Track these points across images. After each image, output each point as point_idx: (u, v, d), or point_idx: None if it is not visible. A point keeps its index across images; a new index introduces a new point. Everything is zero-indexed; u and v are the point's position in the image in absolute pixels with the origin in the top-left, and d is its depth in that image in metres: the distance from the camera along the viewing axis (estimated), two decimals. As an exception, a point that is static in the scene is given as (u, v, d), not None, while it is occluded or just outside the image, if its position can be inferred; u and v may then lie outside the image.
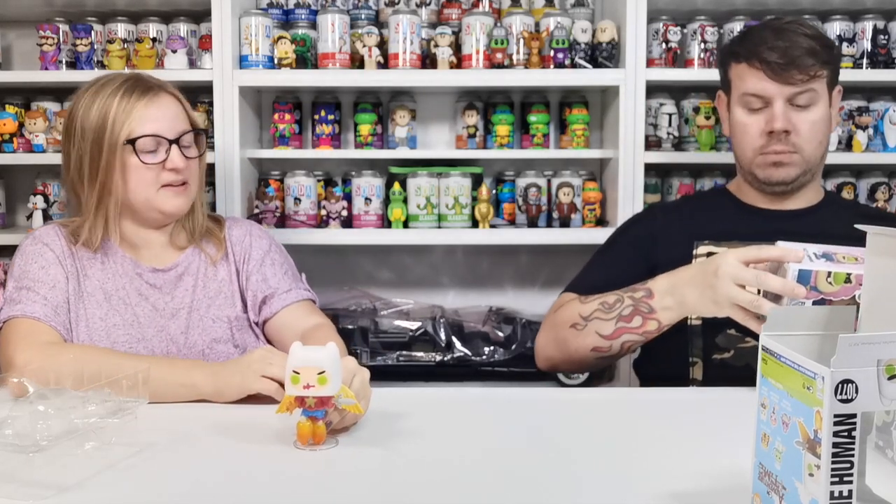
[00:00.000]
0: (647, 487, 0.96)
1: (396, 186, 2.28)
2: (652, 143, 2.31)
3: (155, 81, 1.50)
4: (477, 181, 2.34)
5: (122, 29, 2.34)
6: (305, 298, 1.56)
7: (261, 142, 2.47)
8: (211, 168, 2.23)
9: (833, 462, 0.69)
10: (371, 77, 2.24)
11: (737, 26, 2.26)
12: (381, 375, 1.87)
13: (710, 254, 1.55)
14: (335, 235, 2.28)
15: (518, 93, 2.42)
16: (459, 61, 2.27)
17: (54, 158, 2.29)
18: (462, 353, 2.30)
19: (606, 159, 2.37)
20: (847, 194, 2.33)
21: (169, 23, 2.34)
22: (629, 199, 2.19)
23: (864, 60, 2.28)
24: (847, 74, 2.23)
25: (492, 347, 2.32)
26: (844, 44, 2.25)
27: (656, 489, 0.95)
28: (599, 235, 2.23)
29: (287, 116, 2.34)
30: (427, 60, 2.30)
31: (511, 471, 1.02)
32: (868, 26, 2.28)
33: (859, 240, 0.97)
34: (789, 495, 0.74)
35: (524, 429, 1.20)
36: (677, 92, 2.37)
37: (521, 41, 2.25)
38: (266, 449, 1.08)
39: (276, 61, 2.23)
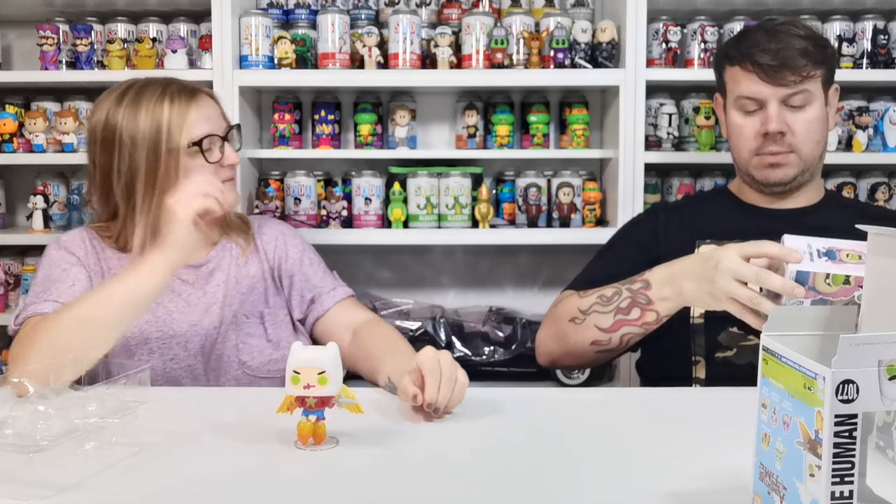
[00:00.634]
0: (647, 487, 0.96)
1: (396, 186, 2.28)
2: (652, 143, 2.31)
3: (191, 84, 1.53)
4: (477, 181, 2.34)
5: (122, 29, 2.34)
6: (350, 295, 1.61)
7: (261, 142, 2.47)
8: (211, 168, 2.23)
9: (834, 462, 0.69)
10: (371, 77, 2.24)
11: (737, 26, 2.26)
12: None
13: None
14: (335, 235, 2.28)
15: (518, 93, 2.42)
16: (459, 61, 2.27)
17: (54, 158, 2.29)
18: (462, 353, 2.30)
19: (606, 159, 2.37)
20: (847, 194, 2.33)
21: (169, 23, 2.34)
22: (629, 199, 2.19)
23: (864, 60, 2.28)
24: (847, 74, 2.24)
25: (492, 347, 2.32)
26: (844, 44, 2.25)
27: (656, 489, 0.95)
28: (599, 235, 2.23)
29: (287, 116, 2.34)
30: (427, 60, 2.30)
31: (511, 471, 1.02)
32: (868, 26, 2.28)
33: (860, 238, 0.98)
34: (790, 496, 0.74)
35: (524, 428, 1.20)
36: (677, 92, 2.37)
37: (521, 41, 2.25)
38: (266, 449, 1.08)
39: (276, 61, 2.23)
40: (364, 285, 2.52)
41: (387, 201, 2.31)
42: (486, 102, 2.39)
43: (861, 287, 1.18)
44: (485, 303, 2.52)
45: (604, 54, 2.22)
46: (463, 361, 2.27)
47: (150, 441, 1.09)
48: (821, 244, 1.25)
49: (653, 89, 2.28)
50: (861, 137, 2.27)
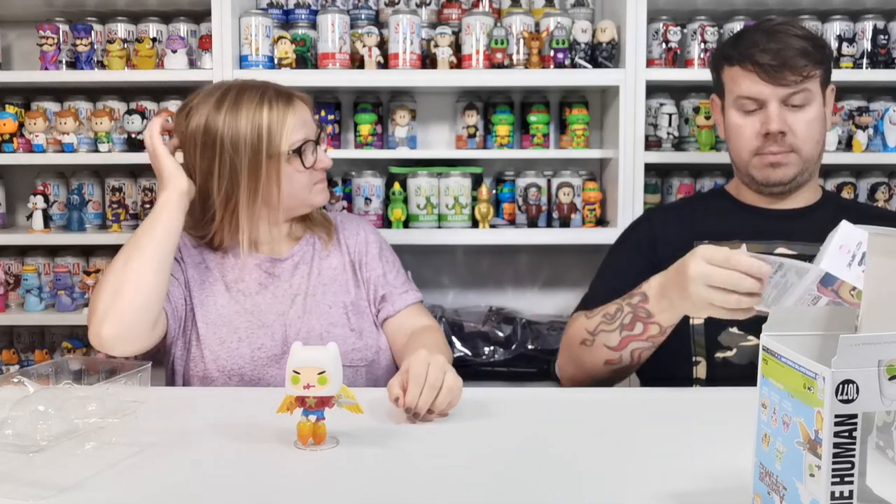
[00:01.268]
0: (647, 487, 0.96)
1: (396, 186, 2.28)
2: (652, 143, 2.31)
3: (285, 88, 1.56)
4: (477, 181, 2.34)
5: (122, 29, 2.34)
6: (419, 300, 1.65)
7: (261, 142, 2.46)
8: (211, 168, 2.23)
9: (834, 462, 0.69)
10: (371, 77, 2.24)
11: (737, 26, 2.26)
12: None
13: None
14: (335, 235, 2.27)
15: (518, 93, 2.42)
16: (459, 61, 2.27)
17: (54, 158, 2.29)
18: (462, 353, 2.30)
19: (606, 159, 2.37)
20: (847, 194, 2.33)
21: (169, 23, 2.34)
22: (629, 199, 2.19)
23: (864, 60, 2.28)
24: (847, 74, 2.24)
25: (492, 347, 2.32)
26: (844, 44, 2.25)
27: (656, 489, 0.95)
28: (599, 235, 2.24)
29: (287, 116, 2.34)
30: (427, 60, 2.30)
31: (511, 471, 1.02)
32: (868, 26, 2.28)
33: None
34: (790, 496, 0.74)
35: (524, 429, 1.20)
36: (677, 92, 2.37)
37: (521, 41, 2.25)
38: (266, 449, 1.08)
39: (276, 61, 2.23)
40: (364, 285, 2.52)
41: (387, 201, 2.31)
42: (486, 102, 2.39)
43: None
44: (485, 303, 2.52)
45: (604, 54, 2.22)
46: (463, 361, 2.29)
47: (150, 441, 1.09)
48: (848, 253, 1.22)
49: (653, 89, 2.28)
50: (861, 137, 2.27)
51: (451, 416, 1.22)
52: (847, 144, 2.32)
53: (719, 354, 1.51)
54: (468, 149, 2.35)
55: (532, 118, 2.35)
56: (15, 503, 0.91)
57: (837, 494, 0.70)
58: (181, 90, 2.38)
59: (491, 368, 2.31)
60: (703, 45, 2.27)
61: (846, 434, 0.69)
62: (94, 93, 2.41)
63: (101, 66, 2.31)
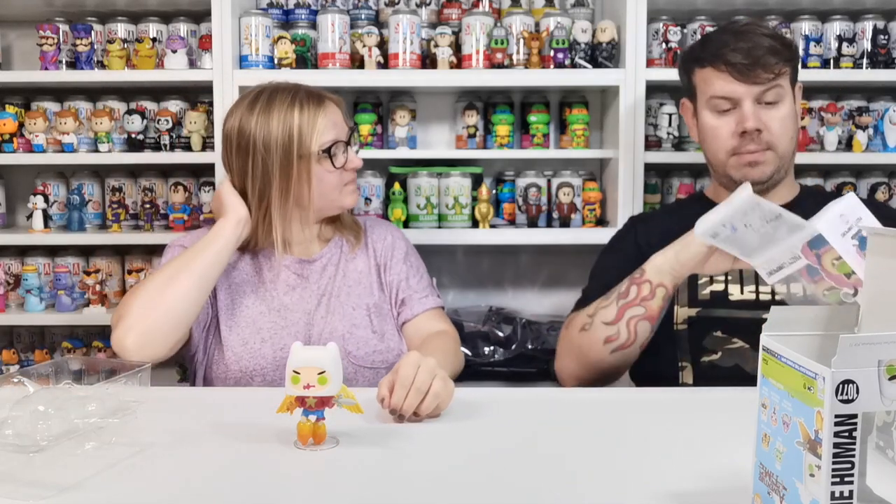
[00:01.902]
0: (646, 487, 0.96)
1: (396, 186, 2.28)
2: (652, 143, 2.31)
3: (316, 90, 1.58)
4: (477, 181, 2.34)
5: (122, 29, 2.34)
6: (438, 306, 1.67)
7: (261, 142, 2.46)
8: (211, 168, 2.24)
9: (834, 462, 0.69)
10: (371, 77, 2.24)
11: (737, 26, 2.26)
12: (381, 375, 1.87)
13: None
14: (335, 235, 2.27)
15: (518, 93, 2.42)
16: (459, 61, 2.27)
17: (54, 158, 2.29)
18: (462, 353, 2.30)
19: (606, 159, 2.37)
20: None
21: (169, 23, 2.34)
22: (629, 199, 2.19)
23: (864, 60, 2.28)
24: (847, 74, 2.25)
25: (492, 347, 2.32)
26: (844, 44, 2.25)
27: (656, 489, 0.95)
28: (599, 235, 2.23)
29: (287, 116, 2.34)
30: (427, 60, 2.30)
31: (511, 471, 1.02)
32: (868, 26, 2.28)
33: None
34: (790, 496, 0.74)
35: (524, 428, 1.20)
36: (677, 92, 2.36)
37: (521, 41, 2.25)
38: (266, 449, 1.08)
39: (276, 61, 2.22)
40: (364, 285, 2.52)
41: (387, 201, 2.31)
42: (486, 102, 2.39)
43: (854, 289, 1.18)
44: (485, 303, 2.52)
45: (604, 54, 2.22)
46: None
47: (150, 441, 1.09)
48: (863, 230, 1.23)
49: (653, 89, 2.28)
50: (861, 137, 2.27)
51: (450, 417, 1.22)
52: (847, 144, 2.32)
53: (705, 358, 1.52)
54: (468, 149, 2.35)
55: (532, 118, 2.35)
56: (15, 503, 0.91)
57: (837, 494, 0.70)
58: (181, 90, 2.38)
59: (491, 368, 2.31)
60: (703, 45, 2.27)
61: (846, 434, 0.69)
62: (94, 93, 2.41)
63: (101, 66, 2.31)
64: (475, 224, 2.30)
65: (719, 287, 1.55)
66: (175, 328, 1.44)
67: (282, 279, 1.58)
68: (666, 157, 2.29)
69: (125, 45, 2.28)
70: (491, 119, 2.35)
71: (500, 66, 2.23)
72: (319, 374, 1.04)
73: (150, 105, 2.38)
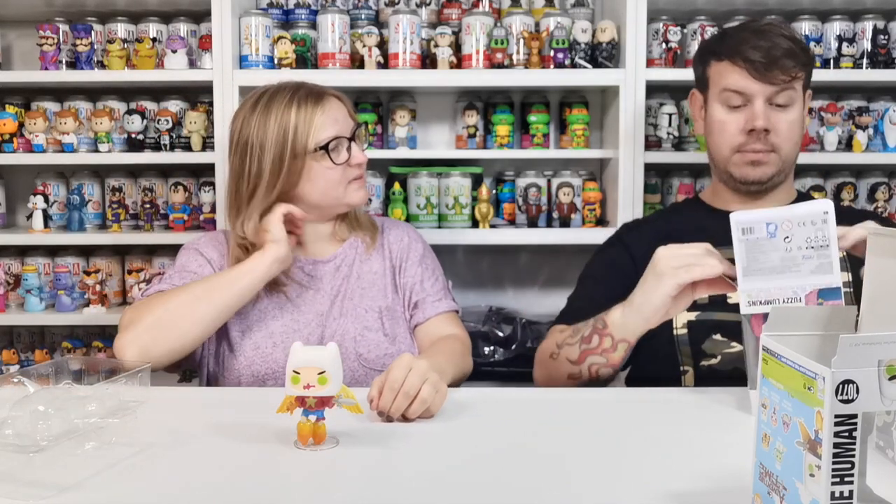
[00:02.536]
0: (646, 488, 0.96)
1: (396, 186, 2.28)
2: (652, 143, 2.31)
3: (318, 88, 1.58)
4: (477, 181, 2.34)
5: (122, 29, 2.34)
6: (452, 310, 1.64)
7: (261, 142, 2.46)
8: (211, 168, 2.24)
9: (834, 462, 0.69)
10: (371, 77, 2.24)
11: (737, 26, 2.26)
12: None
13: None
14: (335, 235, 2.27)
15: (518, 93, 2.42)
16: (459, 61, 2.27)
17: (54, 158, 2.29)
18: (470, 359, 2.30)
19: (606, 159, 2.37)
20: (847, 194, 2.33)
21: (169, 23, 2.34)
22: (629, 199, 2.19)
23: (864, 60, 2.28)
24: (847, 74, 2.25)
25: (492, 347, 2.32)
26: (844, 44, 2.25)
27: (656, 489, 0.95)
28: (599, 235, 2.22)
29: (287, 116, 2.34)
30: (427, 60, 2.30)
31: (510, 471, 1.02)
32: (868, 26, 2.28)
33: None
34: (790, 496, 0.74)
35: (523, 428, 1.20)
36: (677, 92, 2.37)
37: (521, 41, 2.25)
38: (266, 449, 1.08)
39: (276, 61, 2.22)
40: (364, 285, 2.52)
41: (387, 201, 2.31)
42: (486, 102, 2.39)
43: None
44: (485, 303, 2.52)
45: (604, 54, 2.22)
46: (463, 361, 2.28)
47: (150, 441, 1.09)
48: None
49: (653, 89, 2.28)
50: (861, 137, 2.27)
51: (450, 417, 1.22)
52: (847, 144, 2.32)
53: (704, 363, 1.51)
54: (468, 149, 2.35)
55: (532, 118, 2.35)
56: (15, 503, 0.91)
57: (837, 494, 0.70)
58: (181, 90, 2.38)
59: (491, 368, 2.31)
60: (703, 45, 2.27)
61: (846, 434, 0.69)
62: (94, 93, 2.41)
63: (101, 66, 2.31)
64: (475, 224, 2.30)
65: None
66: (180, 351, 1.43)
67: (293, 280, 1.57)
68: (666, 157, 2.29)
69: (125, 45, 2.28)
70: (491, 119, 2.35)
71: (500, 66, 2.23)
72: (319, 374, 1.04)
73: (150, 105, 2.38)
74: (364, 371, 1.53)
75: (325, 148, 1.51)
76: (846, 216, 1.41)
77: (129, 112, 2.30)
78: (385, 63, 2.26)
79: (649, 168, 2.26)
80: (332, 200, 1.56)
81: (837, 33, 2.28)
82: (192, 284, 1.48)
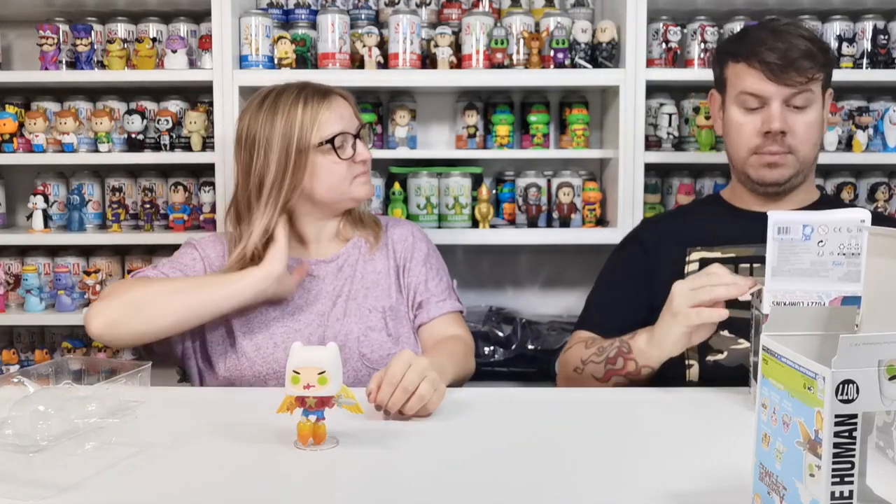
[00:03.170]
0: (646, 487, 0.96)
1: (396, 186, 2.28)
2: (652, 143, 2.31)
3: (324, 86, 1.60)
4: (477, 181, 2.34)
5: (122, 29, 2.34)
6: (456, 310, 1.64)
7: (261, 142, 2.46)
8: (211, 168, 2.23)
9: (834, 462, 0.69)
10: (371, 77, 2.24)
11: (737, 26, 2.26)
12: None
13: (702, 260, 1.55)
14: (335, 235, 2.27)
15: (518, 93, 2.42)
16: (459, 61, 2.27)
17: (54, 158, 2.29)
18: (472, 360, 2.30)
19: (606, 159, 2.37)
20: (847, 194, 2.33)
21: (169, 23, 2.34)
22: (629, 199, 2.19)
23: (864, 60, 2.28)
24: (847, 74, 2.24)
25: (492, 347, 2.32)
26: (844, 44, 2.25)
27: (656, 489, 0.95)
28: (599, 235, 2.24)
29: (287, 116, 2.34)
30: (427, 60, 2.30)
31: (511, 471, 1.02)
32: (868, 26, 2.28)
33: None
34: (790, 496, 0.74)
35: (523, 428, 1.20)
36: (677, 92, 2.37)
37: (521, 41, 2.25)
38: (266, 449, 1.08)
39: (276, 61, 2.23)
40: (364, 285, 2.52)
41: (387, 201, 2.31)
42: (486, 102, 2.39)
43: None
44: (485, 303, 2.52)
45: (604, 54, 2.22)
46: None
47: (150, 441, 1.09)
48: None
49: (653, 89, 2.28)
50: (861, 137, 2.27)
51: (450, 416, 1.22)
52: (847, 144, 2.32)
53: (710, 357, 1.51)
54: (468, 149, 2.35)
55: (532, 118, 2.35)
56: (15, 503, 0.91)
57: (837, 494, 0.70)
58: (181, 90, 2.38)
59: (491, 368, 2.31)
60: (703, 45, 2.27)
61: (846, 434, 0.69)
62: (94, 93, 2.41)
63: (101, 66, 2.31)
64: (475, 224, 2.30)
65: None
66: (144, 336, 1.45)
67: (294, 280, 1.56)
68: (666, 157, 2.29)
69: (125, 45, 2.28)
70: (491, 119, 2.35)
71: (500, 66, 2.23)
72: (319, 374, 1.04)
73: (150, 105, 2.38)
74: (367, 371, 1.52)
75: (330, 143, 1.53)
76: (884, 222, 1.42)
77: (129, 112, 2.30)
78: (385, 63, 2.26)
79: (649, 168, 2.26)
80: (337, 195, 1.57)
81: (837, 33, 2.28)
82: (178, 279, 1.50)
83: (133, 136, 2.30)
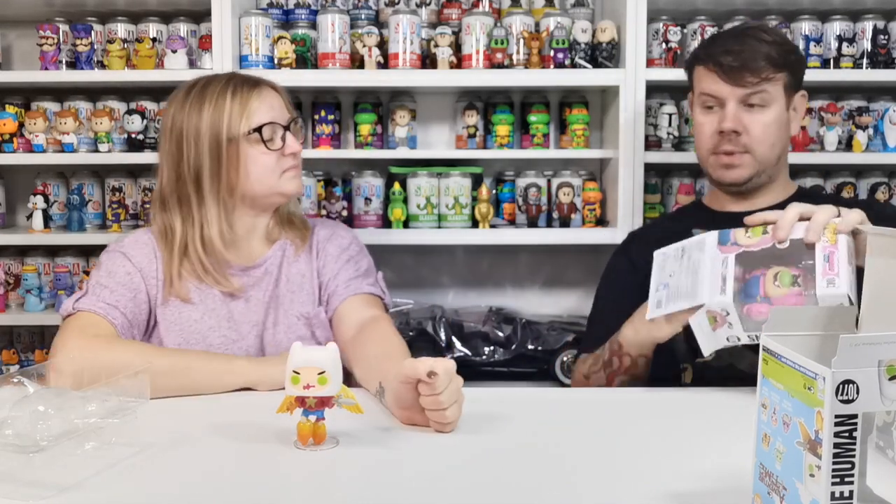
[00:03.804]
0: (646, 488, 0.96)
1: (396, 186, 2.28)
2: (652, 143, 2.31)
3: (253, 76, 1.55)
4: (477, 181, 2.34)
5: (122, 29, 2.34)
6: (367, 292, 1.54)
7: (261, 142, 2.46)
8: (211, 168, 2.23)
9: (834, 462, 0.69)
10: (371, 77, 2.24)
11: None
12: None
13: None
14: (335, 235, 2.27)
15: (518, 93, 2.42)
16: (459, 61, 2.27)
17: (54, 158, 2.30)
18: (462, 353, 2.30)
19: (606, 159, 2.37)
20: (847, 194, 2.33)
21: (169, 23, 2.34)
22: (629, 199, 2.19)
23: (864, 60, 2.28)
24: (847, 74, 2.25)
25: (492, 347, 2.32)
26: (844, 44, 2.25)
27: (656, 489, 0.95)
28: (599, 235, 2.24)
29: (287, 116, 2.34)
30: (427, 60, 2.30)
31: (511, 471, 1.02)
32: (868, 26, 2.28)
33: None
34: (790, 496, 0.74)
35: (523, 429, 1.20)
36: (677, 92, 2.37)
37: (521, 41, 2.25)
38: (266, 449, 1.08)
39: (276, 61, 2.23)
40: (364, 285, 2.52)
41: (387, 201, 2.31)
42: (486, 102, 2.39)
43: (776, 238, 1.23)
44: (485, 303, 2.52)
45: (604, 54, 2.22)
46: (463, 361, 2.29)
47: (150, 441, 1.09)
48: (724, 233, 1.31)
49: (653, 89, 2.28)
50: (861, 137, 2.27)
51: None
52: (847, 144, 2.32)
53: (699, 359, 1.52)
54: (468, 149, 2.35)
55: (532, 118, 2.35)
56: (15, 503, 0.91)
57: (837, 495, 0.70)
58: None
59: (491, 368, 2.31)
60: (703, 45, 2.27)
61: (846, 434, 0.69)
62: (94, 93, 2.41)
63: (101, 66, 2.31)
64: (475, 224, 2.30)
65: None
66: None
67: (231, 281, 1.50)
68: (666, 157, 2.29)
69: (125, 45, 2.28)
70: (491, 119, 2.35)
71: (500, 66, 2.23)
72: (319, 374, 1.04)
73: (150, 105, 2.38)
74: None
75: (258, 131, 1.47)
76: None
77: (129, 112, 2.31)
78: (385, 63, 2.26)
79: (649, 168, 2.26)
80: (266, 189, 1.50)
81: (837, 33, 2.28)
82: (168, 355, 1.39)
83: (133, 136, 2.30)
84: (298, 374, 1.04)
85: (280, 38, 2.22)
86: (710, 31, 2.27)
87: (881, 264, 0.87)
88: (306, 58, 2.27)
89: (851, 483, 0.70)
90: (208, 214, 1.48)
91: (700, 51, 1.63)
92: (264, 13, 2.26)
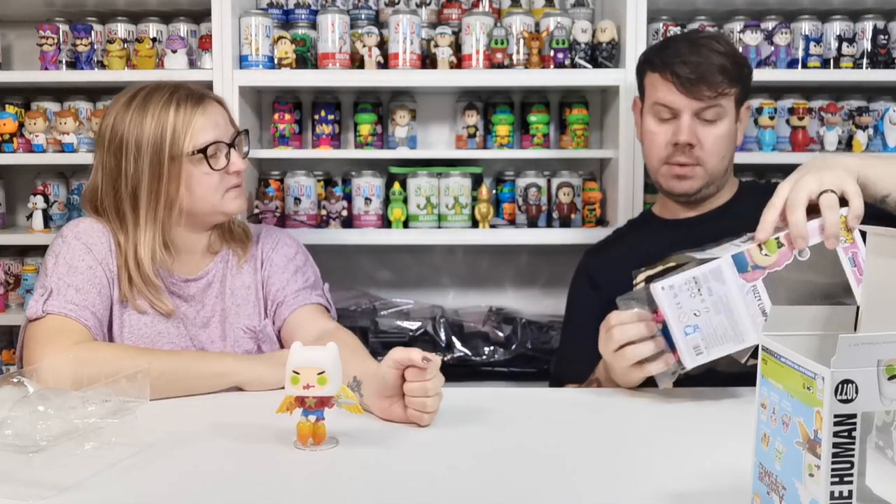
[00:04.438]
0: (646, 488, 0.96)
1: (396, 186, 2.28)
2: (652, 143, 2.30)
3: (199, 90, 1.50)
4: (477, 181, 2.34)
5: (122, 29, 2.34)
6: (315, 303, 1.53)
7: (261, 142, 2.47)
8: (211, 168, 2.23)
9: (833, 462, 0.69)
10: (371, 77, 2.24)
11: (737, 26, 2.27)
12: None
13: (648, 278, 1.54)
14: (335, 235, 2.28)
15: (518, 93, 2.42)
16: (459, 61, 2.27)
17: (54, 158, 2.30)
18: (462, 353, 2.30)
19: (606, 159, 2.37)
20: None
21: (169, 23, 2.35)
22: (629, 199, 2.19)
23: (864, 60, 2.28)
24: (847, 74, 2.25)
25: (492, 347, 2.32)
26: (844, 44, 2.25)
27: (656, 489, 0.95)
28: (599, 235, 2.22)
29: (287, 116, 2.34)
30: (427, 60, 2.30)
31: (510, 471, 1.02)
32: (868, 26, 2.28)
33: None
34: (789, 495, 0.74)
35: (523, 429, 1.20)
36: (677, 92, 2.37)
37: (521, 41, 2.25)
38: (266, 449, 1.08)
39: (276, 61, 2.23)
40: (364, 285, 2.52)
41: (387, 201, 2.31)
42: (486, 102, 2.39)
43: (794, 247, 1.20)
44: (485, 303, 2.52)
45: (604, 54, 2.22)
46: (463, 361, 2.29)
47: (150, 441, 1.09)
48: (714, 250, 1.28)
49: (653, 89, 2.28)
50: (861, 137, 2.27)
51: (449, 417, 1.22)
52: (847, 144, 2.32)
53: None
54: (468, 149, 2.35)
55: (532, 118, 2.35)
56: (15, 503, 0.91)
57: (837, 494, 0.70)
58: (181, 90, 2.38)
59: (491, 368, 2.31)
60: (703, 45, 2.27)
61: (845, 434, 0.69)
62: (94, 93, 2.41)
63: (101, 66, 2.31)
64: (475, 224, 2.30)
65: None
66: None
67: (164, 302, 1.46)
68: (666, 157, 2.29)
69: (125, 45, 2.28)
70: (491, 119, 2.35)
71: (500, 66, 2.23)
72: (319, 374, 1.04)
73: (150, 105, 2.38)
74: None
75: (203, 152, 1.43)
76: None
77: (129, 112, 2.30)
78: (385, 63, 2.26)
79: (649, 168, 2.26)
80: (208, 208, 1.46)
81: (837, 33, 2.28)
82: (159, 357, 1.35)
83: (133, 136, 2.29)
84: (298, 374, 1.05)
85: (280, 38, 2.22)
86: (709, 31, 2.27)
87: (881, 264, 0.87)
88: (306, 58, 2.27)
89: (851, 483, 0.70)
90: (143, 236, 1.43)
91: (654, 57, 1.59)
92: (264, 13, 2.26)
